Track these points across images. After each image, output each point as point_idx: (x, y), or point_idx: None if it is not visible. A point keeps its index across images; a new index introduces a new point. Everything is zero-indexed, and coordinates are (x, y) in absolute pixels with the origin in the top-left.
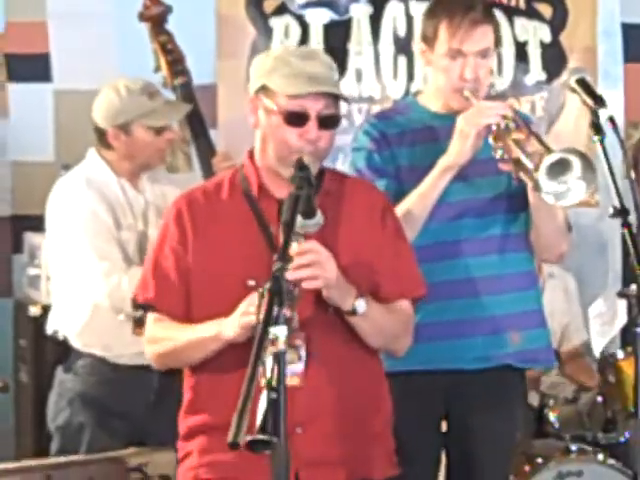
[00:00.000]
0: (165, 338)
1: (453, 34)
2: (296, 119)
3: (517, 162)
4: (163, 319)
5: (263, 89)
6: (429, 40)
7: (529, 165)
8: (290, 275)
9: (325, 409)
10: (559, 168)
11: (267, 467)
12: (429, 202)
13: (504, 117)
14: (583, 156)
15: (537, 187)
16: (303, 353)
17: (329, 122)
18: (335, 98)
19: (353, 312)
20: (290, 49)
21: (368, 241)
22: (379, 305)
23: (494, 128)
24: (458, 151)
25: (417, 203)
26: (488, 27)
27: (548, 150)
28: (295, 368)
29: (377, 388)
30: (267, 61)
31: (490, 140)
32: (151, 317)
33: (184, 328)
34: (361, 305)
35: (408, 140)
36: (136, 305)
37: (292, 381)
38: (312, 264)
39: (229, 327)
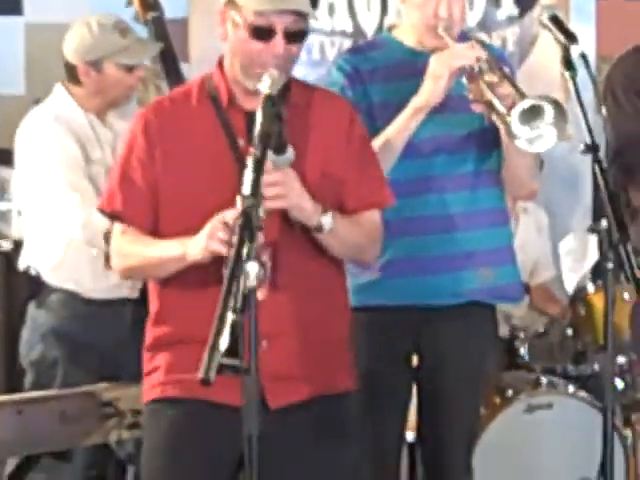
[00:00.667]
0: (131, 253)
1: None
2: (263, 34)
3: (489, 105)
4: (129, 231)
5: (231, 2)
6: None
7: (501, 109)
8: (269, 187)
9: (290, 323)
10: (531, 114)
11: (235, 383)
12: (399, 142)
13: (477, 59)
14: (556, 103)
15: (509, 132)
16: (268, 267)
17: (296, 37)
18: (302, 17)
19: (319, 229)
20: None
21: (335, 153)
22: (345, 219)
23: (467, 69)
24: (430, 92)
25: (387, 142)
26: None
27: (521, 95)
28: (263, 283)
29: (340, 303)
30: None
31: (463, 80)
32: (118, 228)
33: (150, 244)
34: (327, 221)
35: (381, 76)
36: (104, 215)
37: (257, 295)
38: (277, 183)
39: (195, 248)
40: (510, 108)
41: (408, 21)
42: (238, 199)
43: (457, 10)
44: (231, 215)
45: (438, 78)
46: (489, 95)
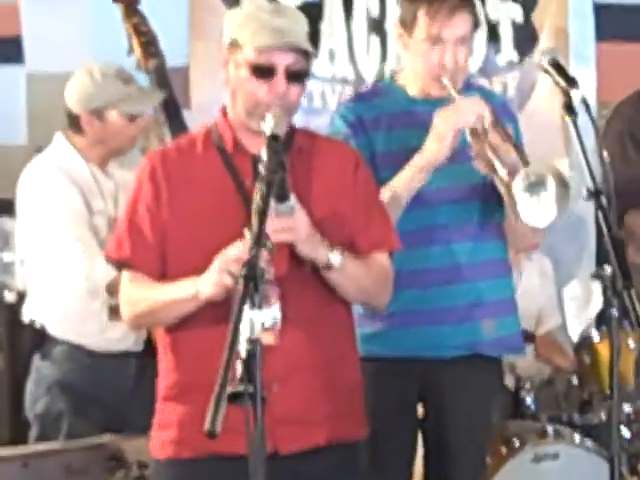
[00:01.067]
0: (141, 299)
1: (432, 20)
2: (264, 72)
3: (491, 166)
4: (138, 278)
5: (233, 43)
6: (407, 25)
7: (503, 174)
8: (273, 230)
9: (302, 366)
10: (534, 183)
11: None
12: (406, 196)
13: (481, 117)
14: (559, 175)
15: (510, 197)
16: (278, 312)
17: (298, 76)
18: (304, 54)
19: (329, 266)
20: (261, 5)
21: (341, 195)
22: (355, 259)
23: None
24: (434, 152)
25: (394, 196)
26: (467, 13)
27: (524, 162)
28: (273, 325)
29: (351, 348)
30: (238, 16)
31: (467, 136)
32: (126, 276)
33: (160, 287)
34: (336, 258)
35: (385, 124)
36: (111, 264)
37: (268, 337)
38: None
39: (207, 285)
40: (511, 174)
41: (411, 68)
42: (246, 232)
43: (461, 58)
44: (241, 249)
45: (442, 139)
46: (491, 157)
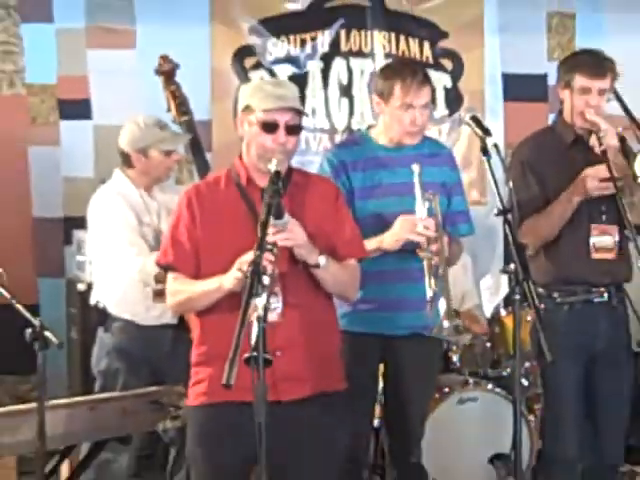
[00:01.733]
0: (182, 291)
1: (406, 93)
2: (270, 128)
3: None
4: (179, 277)
5: (246, 108)
6: (384, 96)
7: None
8: (271, 238)
9: (298, 337)
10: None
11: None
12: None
13: (427, 237)
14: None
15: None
16: (280, 298)
17: (294, 130)
18: (297, 112)
19: (317, 266)
20: (265, 80)
21: (326, 217)
22: (335, 262)
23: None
24: (389, 244)
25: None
26: (428, 87)
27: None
28: (276, 308)
29: (332, 324)
30: (249, 88)
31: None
32: (170, 276)
33: (195, 283)
34: (322, 260)
35: (361, 166)
36: (160, 269)
37: (272, 317)
38: (286, 230)
39: (227, 280)
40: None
41: (385, 126)
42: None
43: (425, 119)
44: (250, 256)
45: (398, 241)
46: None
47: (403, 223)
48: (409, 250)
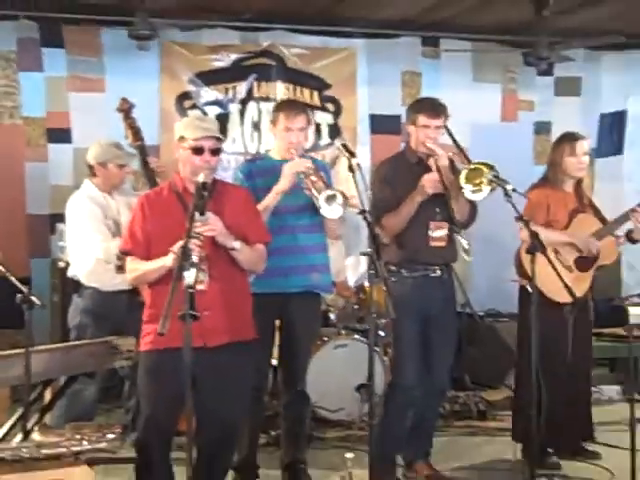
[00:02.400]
0: (137, 269)
1: (286, 119)
2: (198, 151)
3: (311, 192)
4: (135, 259)
5: (181, 138)
6: (274, 122)
7: (316, 194)
8: (198, 229)
9: (220, 301)
10: (331, 198)
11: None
12: (271, 207)
13: (307, 168)
14: (343, 195)
15: (318, 203)
16: (207, 271)
17: (216, 152)
18: (217, 139)
19: (233, 249)
20: (194, 116)
21: (240, 213)
22: (247, 246)
23: (302, 172)
24: (283, 183)
25: (265, 207)
26: (305, 115)
27: (327, 187)
28: (203, 279)
29: (245, 290)
30: (182, 124)
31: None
32: (129, 258)
33: (146, 263)
34: (237, 245)
35: (262, 173)
36: (121, 253)
37: (200, 286)
38: (212, 223)
39: (168, 259)
40: (319, 193)
41: (276, 145)
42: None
43: (302, 139)
44: (181, 242)
45: (287, 176)
46: (311, 186)
47: (287, 165)
48: (300, 231)
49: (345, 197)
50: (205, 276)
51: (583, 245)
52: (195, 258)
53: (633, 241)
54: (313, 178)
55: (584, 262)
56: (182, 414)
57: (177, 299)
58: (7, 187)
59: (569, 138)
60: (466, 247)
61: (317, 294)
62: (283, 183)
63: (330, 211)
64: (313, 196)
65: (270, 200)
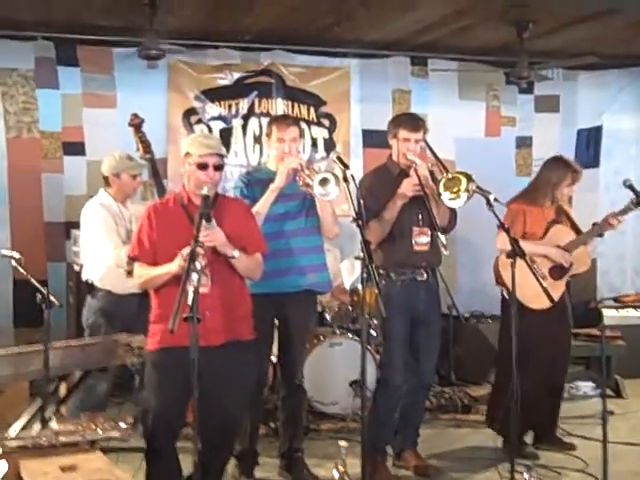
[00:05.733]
0: (144, 275)
1: (279, 130)
2: (202, 167)
3: (307, 184)
4: (142, 265)
5: (187, 154)
6: (269, 135)
7: (311, 183)
8: (201, 239)
9: (220, 303)
10: (324, 182)
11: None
12: (265, 209)
13: (300, 163)
14: (334, 175)
15: (314, 190)
16: (209, 276)
17: (219, 168)
18: (220, 156)
19: (233, 257)
20: (200, 134)
21: (239, 225)
22: (246, 255)
23: (296, 168)
24: (279, 180)
25: (261, 207)
26: (295, 127)
27: (318, 174)
28: (205, 284)
29: (244, 293)
30: (188, 140)
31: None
32: (137, 264)
33: (153, 269)
34: (236, 254)
35: (259, 183)
36: (129, 260)
37: (203, 290)
38: (211, 234)
39: (174, 266)
40: (313, 179)
41: (272, 156)
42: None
43: (294, 148)
44: (188, 249)
45: (282, 173)
46: (305, 179)
47: (281, 164)
48: (296, 235)
49: (336, 177)
50: (207, 281)
51: (557, 257)
52: (199, 264)
53: (600, 235)
54: (306, 172)
55: (558, 271)
56: (187, 408)
57: (182, 301)
58: (26, 197)
59: (574, 169)
60: (444, 242)
61: (313, 293)
62: (279, 180)
63: (326, 194)
64: (309, 187)
65: (267, 198)
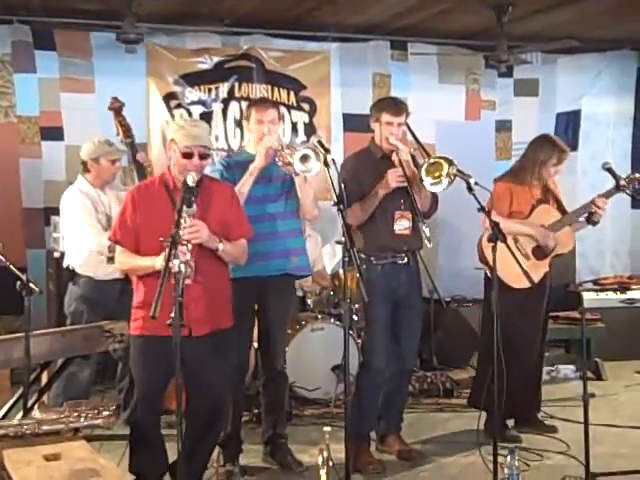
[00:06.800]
0: (126, 262)
1: (257, 112)
2: (188, 156)
3: (288, 163)
4: (124, 250)
5: (172, 140)
6: (248, 118)
7: (291, 161)
8: (186, 236)
9: (203, 293)
10: (305, 159)
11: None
12: (247, 188)
13: (279, 143)
14: (315, 151)
15: (294, 168)
16: (193, 267)
17: (204, 156)
18: (207, 147)
19: (217, 249)
20: (185, 119)
21: (224, 210)
22: (230, 244)
23: (275, 147)
24: (259, 160)
25: (242, 186)
26: (273, 109)
27: (298, 151)
28: (189, 275)
29: (226, 282)
30: (174, 126)
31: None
32: (119, 249)
33: (136, 258)
34: (221, 246)
35: (239, 166)
36: (111, 243)
37: (187, 281)
38: (195, 231)
39: (158, 262)
40: (292, 156)
41: (251, 139)
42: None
43: (273, 130)
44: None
45: (260, 153)
46: (285, 158)
47: (260, 144)
48: (276, 218)
49: (316, 152)
50: (192, 271)
51: (541, 237)
52: (183, 256)
53: (593, 223)
54: (286, 151)
55: (541, 251)
56: (168, 392)
57: (165, 289)
58: (3, 182)
59: (561, 149)
60: (427, 235)
61: (292, 277)
62: (259, 160)
63: (307, 170)
64: (289, 165)
65: (246, 180)
